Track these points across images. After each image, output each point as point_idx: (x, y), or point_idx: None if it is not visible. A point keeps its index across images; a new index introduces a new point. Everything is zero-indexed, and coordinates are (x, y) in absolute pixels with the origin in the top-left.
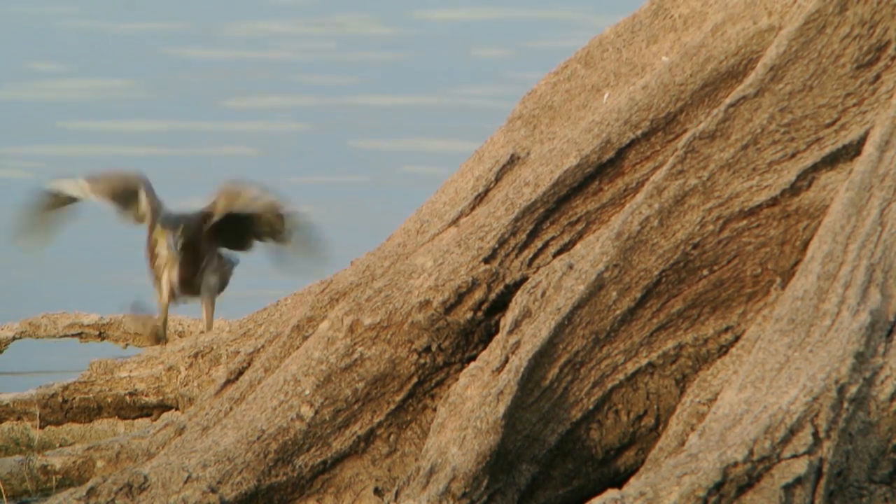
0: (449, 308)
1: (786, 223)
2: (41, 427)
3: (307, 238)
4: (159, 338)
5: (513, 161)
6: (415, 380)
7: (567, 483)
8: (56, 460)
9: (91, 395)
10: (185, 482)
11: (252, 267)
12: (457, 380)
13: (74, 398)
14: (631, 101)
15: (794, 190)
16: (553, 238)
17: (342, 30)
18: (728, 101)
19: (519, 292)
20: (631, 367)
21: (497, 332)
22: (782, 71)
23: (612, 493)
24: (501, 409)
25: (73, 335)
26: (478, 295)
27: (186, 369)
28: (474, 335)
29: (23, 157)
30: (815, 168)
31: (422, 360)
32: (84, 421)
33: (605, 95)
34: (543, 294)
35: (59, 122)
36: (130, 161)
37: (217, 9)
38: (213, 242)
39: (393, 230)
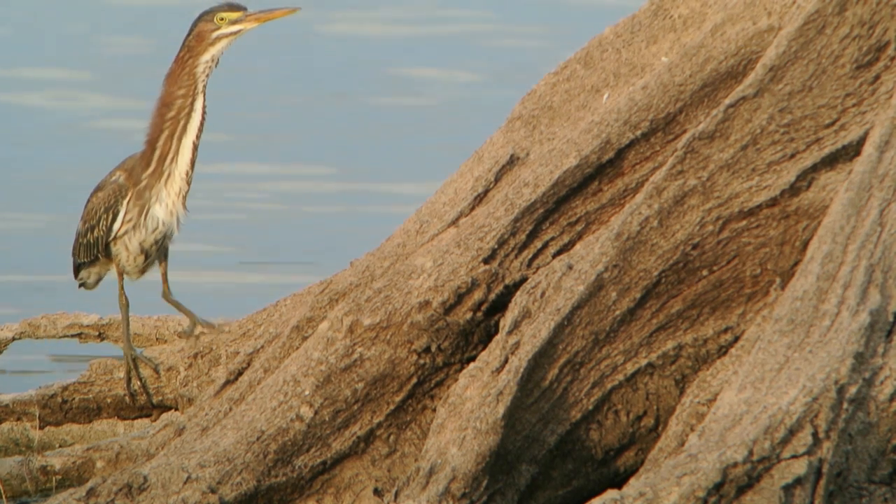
0: (449, 308)
1: (785, 223)
2: (41, 427)
3: None
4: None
5: (512, 161)
6: (414, 380)
7: (567, 483)
8: (56, 461)
9: (91, 396)
10: (185, 483)
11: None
12: (456, 380)
13: (74, 398)
14: (631, 102)
15: (793, 190)
16: (553, 238)
17: None
18: (728, 101)
19: (518, 293)
20: (630, 368)
21: (497, 332)
22: (782, 71)
23: (612, 494)
24: (501, 409)
25: (72, 335)
26: (477, 295)
27: (186, 370)
28: (474, 335)
29: None
30: (815, 168)
31: (421, 361)
32: (84, 421)
33: (605, 96)
34: (543, 294)
35: None
36: None
37: None
38: None
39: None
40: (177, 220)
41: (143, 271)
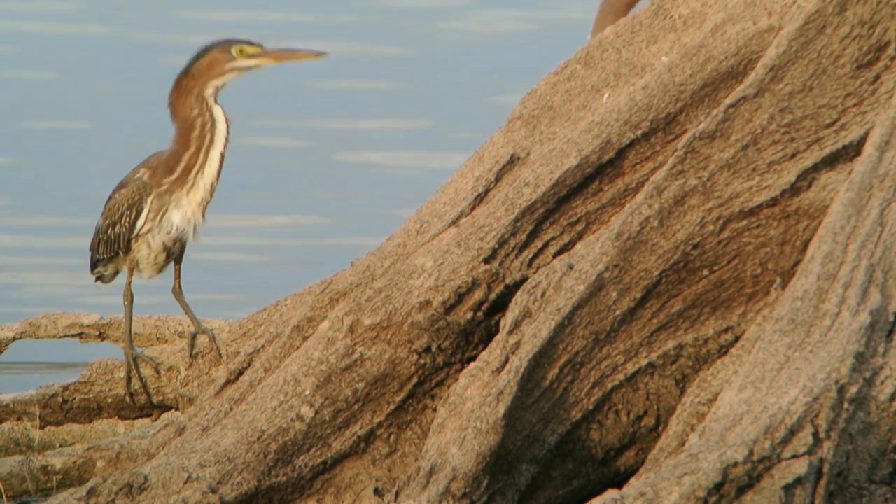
0: (449, 308)
1: (786, 223)
2: (41, 427)
3: None
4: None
5: (513, 161)
6: (415, 380)
7: (567, 483)
8: (56, 460)
9: (91, 396)
10: (185, 482)
11: None
12: (457, 380)
13: (74, 398)
14: (631, 102)
15: (794, 190)
16: (553, 238)
17: None
18: (728, 101)
19: (519, 292)
20: (631, 368)
21: (497, 332)
22: (782, 71)
23: (612, 493)
24: (501, 409)
25: (73, 335)
26: (478, 295)
27: (186, 369)
28: (474, 335)
29: None
30: (815, 168)
31: (422, 361)
32: (84, 421)
33: (605, 96)
34: (543, 294)
35: None
36: None
37: None
38: None
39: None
40: (193, 228)
41: (160, 269)
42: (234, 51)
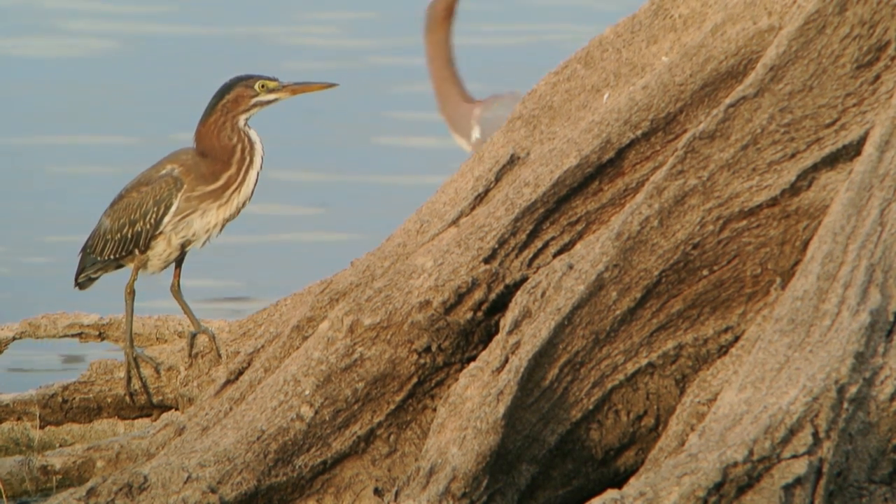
0: (449, 308)
1: (786, 223)
2: (41, 427)
3: None
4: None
5: (513, 161)
6: (415, 380)
7: (567, 483)
8: (56, 460)
9: (91, 395)
10: (185, 482)
11: None
12: (457, 380)
13: (74, 398)
14: (631, 101)
15: (794, 190)
16: (553, 238)
17: None
18: (728, 101)
19: (519, 292)
20: (631, 368)
21: (497, 332)
22: (782, 71)
23: (612, 493)
24: (501, 409)
25: (73, 335)
26: (478, 295)
27: (186, 369)
28: (474, 335)
29: None
30: (815, 168)
31: (422, 361)
32: (84, 421)
33: (605, 95)
34: (543, 294)
35: None
36: None
37: None
38: None
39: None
40: (207, 239)
41: (166, 266)
42: (256, 86)
